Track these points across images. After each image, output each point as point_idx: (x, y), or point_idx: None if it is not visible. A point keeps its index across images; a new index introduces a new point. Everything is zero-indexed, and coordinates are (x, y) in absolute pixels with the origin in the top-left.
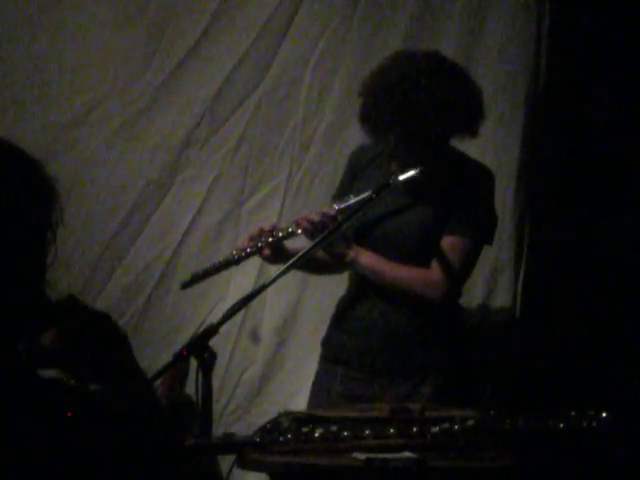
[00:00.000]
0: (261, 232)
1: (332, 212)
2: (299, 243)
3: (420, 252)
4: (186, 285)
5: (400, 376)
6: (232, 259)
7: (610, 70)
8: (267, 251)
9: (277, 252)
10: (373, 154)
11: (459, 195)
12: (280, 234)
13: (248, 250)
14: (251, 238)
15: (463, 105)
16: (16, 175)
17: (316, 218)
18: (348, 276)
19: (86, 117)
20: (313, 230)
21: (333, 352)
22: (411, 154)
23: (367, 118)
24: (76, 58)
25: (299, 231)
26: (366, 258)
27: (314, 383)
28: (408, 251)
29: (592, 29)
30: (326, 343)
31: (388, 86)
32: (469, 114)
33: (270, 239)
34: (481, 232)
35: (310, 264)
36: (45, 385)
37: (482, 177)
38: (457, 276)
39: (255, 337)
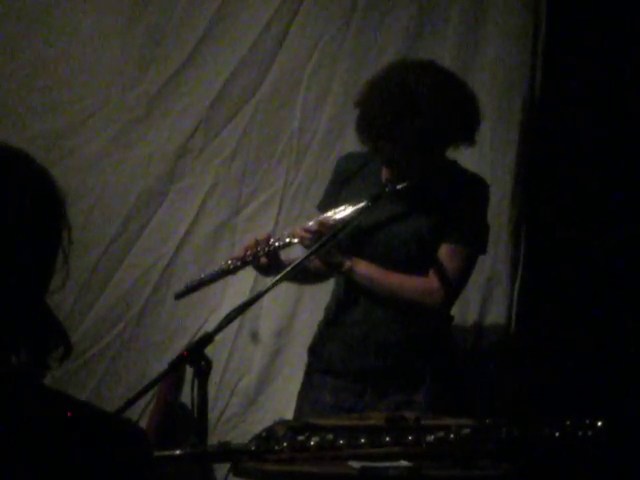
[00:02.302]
0: (257, 242)
1: (329, 222)
2: (294, 254)
3: (415, 261)
4: (180, 295)
5: (392, 386)
6: (227, 269)
7: (607, 78)
8: (263, 260)
9: (272, 262)
10: (361, 162)
11: (455, 204)
12: (276, 244)
13: (243, 260)
14: (247, 248)
15: (460, 115)
16: (23, 180)
17: (313, 228)
18: (335, 283)
19: (82, 125)
20: (310, 240)
21: (322, 362)
22: (407, 163)
23: (363, 128)
24: (72, 66)
25: (295, 241)
26: (363, 267)
27: (301, 393)
28: (403, 260)
29: (589, 36)
30: (314, 352)
31: (385, 96)
32: (466, 123)
33: (266, 249)
34: (476, 241)
35: (302, 274)
36: (47, 396)
37: (477, 186)
38: (455, 284)
39: (255, 338)
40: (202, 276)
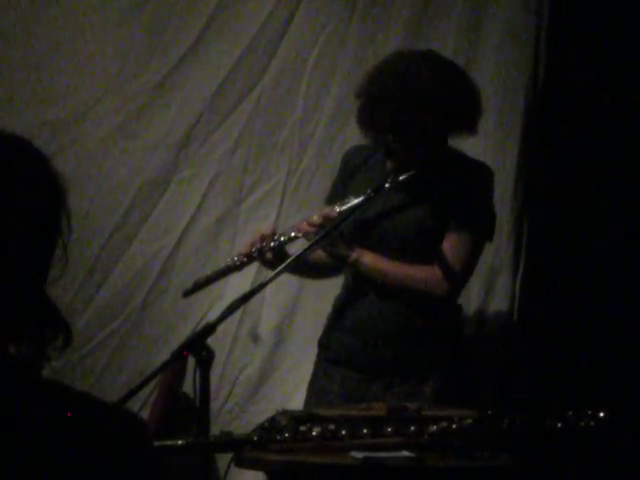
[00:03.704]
0: (262, 237)
1: (333, 214)
2: (300, 248)
3: (419, 250)
4: (188, 293)
5: (400, 376)
6: (233, 265)
7: (609, 70)
8: (269, 256)
9: (278, 257)
10: (367, 155)
11: (459, 193)
12: (282, 238)
13: (250, 255)
14: (252, 243)
15: (461, 103)
16: (24, 169)
17: (317, 221)
18: (344, 276)
19: (85, 115)
20: (315, 234)
21: (331, 352)
22: (409, 153)
23: (365, 119)
24: (75, 55)
25: (300, 235)
26: (369, 258)
27: (311, 384)
28: (408, 249)
29: (591, 28)
30: (323, 343)
31: (385, 86)
32: (467, 112)
33: (272, 244)
34: (483, 228)
35: (308, 267)
36: (46, 387)
37: (481, 174)
38: (461, 272)
39: (255, 336)
40: (209, 273)
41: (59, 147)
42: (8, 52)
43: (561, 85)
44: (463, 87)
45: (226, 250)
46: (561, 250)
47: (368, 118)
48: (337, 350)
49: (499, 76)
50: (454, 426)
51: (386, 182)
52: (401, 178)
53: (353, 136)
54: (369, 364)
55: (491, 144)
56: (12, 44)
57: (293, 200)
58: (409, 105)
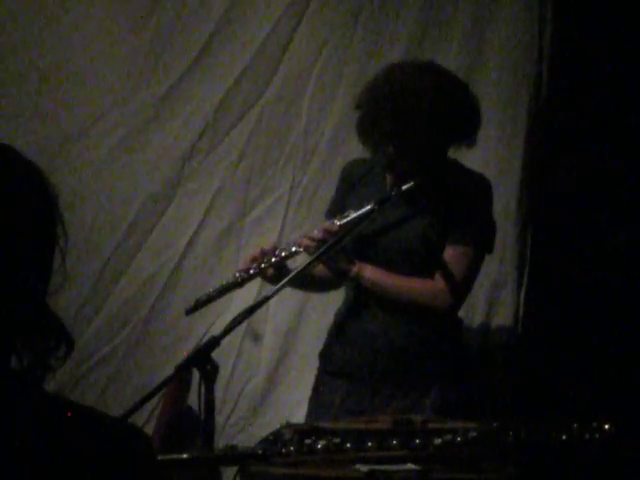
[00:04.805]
0: (263, 253)
1: (334, 228)
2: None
3: (421, 263)
4: (190, 311)
5: (403, 388)
6: (235, 282)
7: (613, 80)
8: (270, 271)
9: (280, 272)
10: (366, 168)
11: (458, 205)
12: (282, 254)
13: (251, 271)
14: (253, 259)
15: (460, 115)
16: (17, 182)
17: (318, 235)
18: (345, 288)
19: (89, 129)
20: (315, 248)
21: (332, 365)
22: (409, 165)
23: (365, 131)
24: (78, 71)
25: (302, 250)
26: (370, 272)
27: (312, 396)
28: (409, 263)
29: (594, 38)
30: (325, 356)
31: (385, 98)
32: (467, 124)
33: (272, 259)
34: (482, 240)
35: (310, 281)
36: (51, 404)
37: (480, 186)
38: (462, 285)
39: (260, 342)
40: (211, 290)
41: (64, 161)
42: (13, 66)
43: (564, 94)
44: (463, 99)
45: (230, 263)
46: (565, 262)
47: (368, 128)
48: (338, 363)
49: (502, 86)
50: (459, 439)
51: (389, 196)
52: (404, 188)
53: (356, 149)
54: (370, 377)
55: (494, 155)
56: (17, 59)
57: (297, 213)
58: (410, 116)
